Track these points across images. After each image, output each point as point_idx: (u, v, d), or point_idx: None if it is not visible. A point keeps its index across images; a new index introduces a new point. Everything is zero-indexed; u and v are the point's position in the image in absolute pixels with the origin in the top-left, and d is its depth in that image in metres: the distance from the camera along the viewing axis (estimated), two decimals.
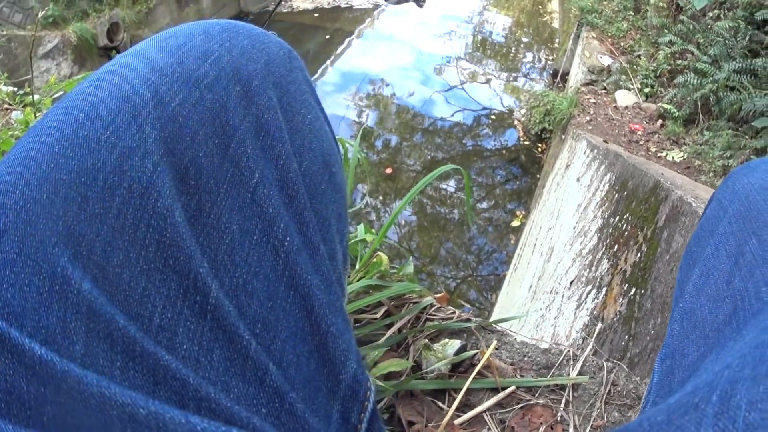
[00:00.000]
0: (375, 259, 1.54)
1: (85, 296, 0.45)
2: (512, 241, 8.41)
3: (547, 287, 4.51)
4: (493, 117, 11.39)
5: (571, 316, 3.61)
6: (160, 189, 0.52)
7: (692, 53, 6.92)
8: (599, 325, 3.19)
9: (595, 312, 3.26)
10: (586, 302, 3.47)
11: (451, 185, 9.49)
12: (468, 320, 1.50)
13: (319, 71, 12.63)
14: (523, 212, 8.86)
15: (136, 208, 0.51)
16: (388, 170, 9.60)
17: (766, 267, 0.66)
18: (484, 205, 9.28)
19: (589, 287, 3.54)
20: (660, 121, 6.99)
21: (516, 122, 10.90)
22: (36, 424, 0.40)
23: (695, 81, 6.38)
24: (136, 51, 0.62)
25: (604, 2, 9.67)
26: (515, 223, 8.70)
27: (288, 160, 0.65)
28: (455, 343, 1.37)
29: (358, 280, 1.48)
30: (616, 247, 3.44)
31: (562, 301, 3.92)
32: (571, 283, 3.92)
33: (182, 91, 0.58)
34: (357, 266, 1.54)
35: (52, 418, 0.41)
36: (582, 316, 3.42)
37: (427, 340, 1.39)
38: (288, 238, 0.61)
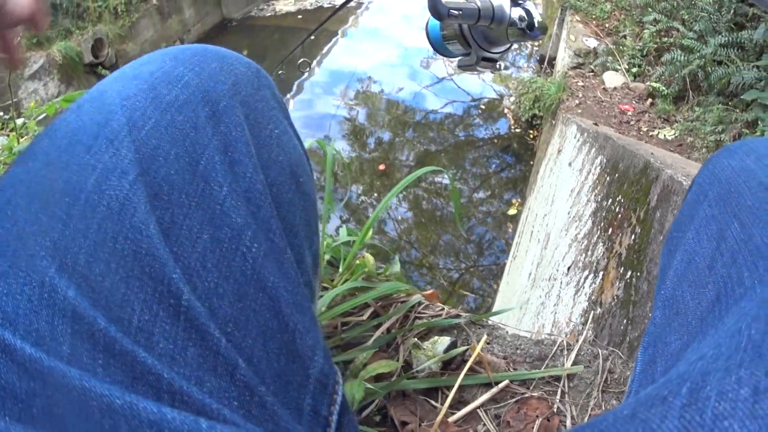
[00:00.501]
0: (359, 261, 1.53)
1: (70, 302, 0.51)
2: (510, 230, 8.42)
3: (546, 274, 4.51)
4: (483, 107, 11.40)
5: (570, 302, 3.60)
6: (136, 205, 0.58)
7: (678, 30, 6.93)
8: (592, 313, 3.19)
9: (593, 297, 3.25)
10: (584, 288, 3.46)
11: (445, 178, 9.50)
12: (458, 316, 1.49)
13: (306, 73, 12.63)
14: (519, 200, 8.87)
15: (115, 223, 0.56)
16: (381, 167, 9.61)
17: (749, 251, 0.66)
18: (481, 194, 9.29)
19: (586, 272, 3.53)
20: (649, 100, 7.00)
21: (506, 110, 10.91)
22: (26, 415, 0.46)
23: (682, 58, 6.38)
24: (113, 79, 0.68)
25: None
26: (512, 212, 8.70)
27: (254, 173, 0.69)
28: (445, 340, 1.36)
29: (343, 283, 1.47)
30: (610, 230, 3.44)
31: (561, 287, 3.91)
32: (569, 269, 3.92)
33: (154, 116, 0.64)
34: (341, 269, 1.53)
35: (41, 408, 0.47)
36: (581, 301, 3.42)
37: (416, 338, 1.38)
38: (255, 245, 0.65)
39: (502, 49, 1.02)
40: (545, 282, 4.42)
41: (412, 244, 8.38)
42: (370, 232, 1.60)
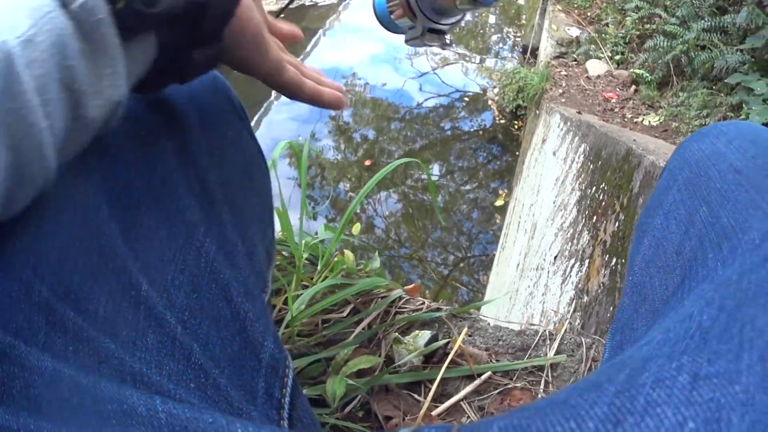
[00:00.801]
0: (337, 258, 1.53)
1: (44, 297, 0.55)
2: (498, 221, 8.43)
3: (533, 264, 4.51)
4: (467, 99, 11.40)
5: (557, 291, 3.60)
6: (99, 208, 0.63)
7: (660, 16, 6.93)
8: (579, 302, 3.19)
9: (579, 285, 3.25)
10: (570, 276, 3.47)
11: (433, 172, 9.50)
12: (438, 309, 1.49)
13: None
14: (506, 191, 8.87)
15: (81, 226, 0.60)
16: (368, 162, 9.60)
17: (715, 233, 0.65)
18: (468, 186, 9.29)
19: (573, 261, 3.54)
20: (633, 87, 7.00)
21: (490, 102, 10.91)
22: (7, 396, 0.50)
23: (665, 44, 6.38)
24: None
25: None
26: (499, 203, 8.71)
27: (207, 172, 0.75)
28: (425, 334, 1.36)
29: (322, 280, 1.46)
30: (594, 218, 3.44)
31: (548, 277, 3.92)
32: (555, 258, 3.92)
33: (115, 127, 0.64)
34: (319, 266, 1.53)
35: (19, 390, 0.50)
36: (568, 290, 3.42)
37: (397, 333, 1.38)
38: (208, 240, 0.72)
39: (452, 20, 1.01)
40: (533, 272, 4.42)
41: (402, 240, 8.38)
42: (358, 229, 1.61)
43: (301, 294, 1.39)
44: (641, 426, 0.39)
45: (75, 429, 0.50)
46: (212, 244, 0.72)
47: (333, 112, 11.08)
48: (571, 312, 3.23)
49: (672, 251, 0.73)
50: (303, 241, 1.53)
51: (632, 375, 0.43)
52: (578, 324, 3.06)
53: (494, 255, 7.61)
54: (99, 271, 0.61)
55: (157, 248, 0.67)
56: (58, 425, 0.49)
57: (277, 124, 10.83)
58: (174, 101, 0.76)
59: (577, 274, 3.37)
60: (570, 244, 3.72)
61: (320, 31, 14.16)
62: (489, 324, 1.50)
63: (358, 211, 8.67)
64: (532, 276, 4.39)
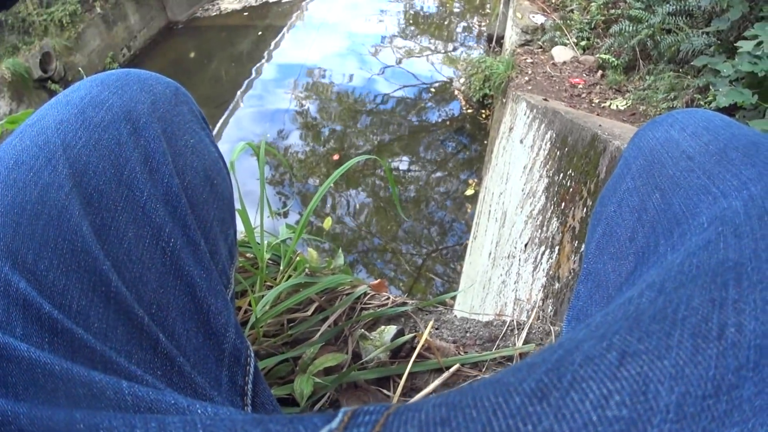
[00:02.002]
0: (299, 258, 1.53)
1: (21, 293, 0.61)
2: (469, 210, 8.46)
3: (505, 252, 4.52)
4: (433, 90, 11.43)
5: (529, 279, 3.62)
6: (71, 211, 0.69)
7: (625, 1, 6.98)
8: (551, 288, 3.20)
9: (551, 272, 3.27)
10: (541, 263, 3.48)
11: (403, 164, 9.52)
12: (404, 304, 1.49)
13: (254, 70, 12.59)
14: (476, 180, 8.90)
15: (55, 228, 0.67)
16: (335, 157, 9.61)
17: (667, 220, 0.66)
18: (438, 177, 9.32)
19: (543, 248, 3.55)
20: (600, 72, 7.04)
21: (456, 92, 10.94)
22: None
23: (631, 28, 6.41)
24: (50, 106, 0.80)
25: None
26: (469, 192, 8.75)
27: (171, 178, 0.81)
28: (391, 329, 1.35)
29: (286, 279, 1.46)
30: (563, 204, 3.45)
31: (520, 264, 3.93)
32: (526, 245, 3.93)
33: (84, 136, 0.76)
34: (282, 266, 1.52)
35: None
36: (539, 278, 3.43)
37: (363, 330, 1.38)
38: (173, 240, 0.79)
39: None
40: (505, 260, 4.44)
41: (374, 233, 8.40)
42: (330, 224, 1.60)
43: (265, 295, 1.38)
44: (566, 400, 0.40)
45: (48, 412, 0.54)
46: (177, 243, 0.79)
47: (300, 108, 11.07)
48: (543, 299, 3.24)
49: (625, 238, 0.74)
50: (266, 242, 1.53)
51: (564, 355, 0.44)
52: (551, 311, 3.07)
53: (467, 244, 7.63)
54: (72, 269, 0.67)
55: (126, 247, 0.73)
56: (32, 409, 0.53)
57: (244, 123, 10.81)
58: (137, 112, 0.82)
59: (547, 261, 3.38)
60: (540, 231, 3.74)
61: (284, 29, 14.14)
62: (456, 316, 1.50)
63: (328, 207, 8.68)
64: (504, 264, 4.40)
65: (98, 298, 0.68)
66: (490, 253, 5.22)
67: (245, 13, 14.91)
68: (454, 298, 5.26)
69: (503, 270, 4.38)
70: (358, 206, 8.79)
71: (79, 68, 11.57)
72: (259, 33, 14.04)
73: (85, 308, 0.66)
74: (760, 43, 3.78)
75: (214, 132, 9.92)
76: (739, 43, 4.01)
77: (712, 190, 0.64)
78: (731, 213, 0.57)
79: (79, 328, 0.64)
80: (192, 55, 13.45)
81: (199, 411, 0.58)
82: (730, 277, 0.47)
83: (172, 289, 0.77)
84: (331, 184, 1.47)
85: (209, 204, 0.90)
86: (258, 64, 12.76)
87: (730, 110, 4.16)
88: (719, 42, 5.16)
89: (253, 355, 0.88)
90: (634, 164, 0.81)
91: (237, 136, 10.25)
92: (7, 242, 0.64)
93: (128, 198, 0.76)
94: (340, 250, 1.64)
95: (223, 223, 0.94)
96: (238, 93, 11.74)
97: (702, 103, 4.89)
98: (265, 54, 13.19)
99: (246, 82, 12.16)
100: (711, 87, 4.65)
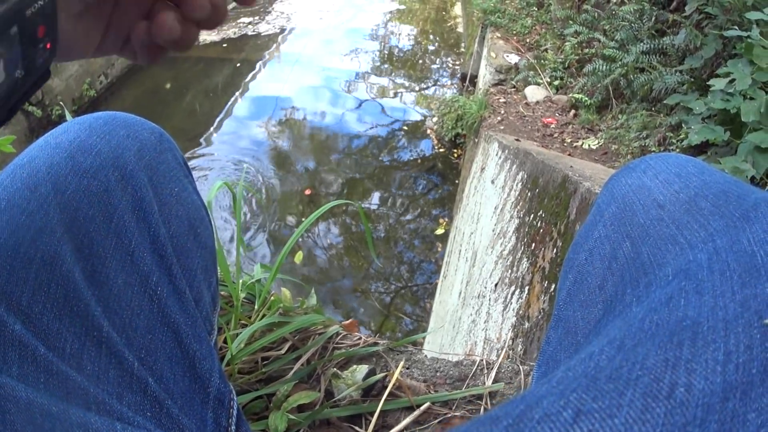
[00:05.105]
0: (273, 297, 1.54)
1: (17, 335, 0.63)
2: (440, 249, 8.45)
3: (475, 292, 4.52)
4: (406, 128, 11.44)
5: (499, 318, 3.62)
6: (63, 257, 0.71)
7: (599, 41, 7.01)
8: (521, 328, 3.21)
9: (521, 312, 3.28)
10: (511, 303, 3.49)
11: (374, 201, 9.52)
12: (375, 344, 1.51)
13: (230, 103, 12.57)
14: (447, 220, 8.90)
15: (48, 272, 0.69)
16: (308, 192, 9.59)
17: (635, 269, 0.67)
18: (409, 216, 9.31)
19: (513, 288, 3.56)
20: (573, 112, 7.07)
21: (429, 131, 10.95)
22: None
23: (604, 67, 6.44)
24: (39, 148, 0.83)
25: (507, 1, 9.76)
26: (439, 231, 8.73)
27: (157, 227, 0.85)
28: (363, 369, 1.37)
29: (260, 319, 1.48)
30: (533, 245, 3.47)
31: (490, 304, 3.93)
32: (496, 285, 3.94)
33: (74, 182, 0.78)
34: (256, 305, 1.54)
35: None
36: (509, 317, 3.44)
37: (335, 368, 1.39)
38: (160, 288, 0.82)
39: None
40: (475, 300, 4.44)
41: (345, 271, 8.37)
42: (300, 258, 1.62)
43: (240, 333, 1.40)
44: None
45: None
46: (163, 292, 0.82)
47: (273, 143, 11.04)
48: (513, 339, 3.25)
49: (595, 286, 0.75)
50: (240, 281, 1.54)
51: (525, 410, 0.46)
52: (521, 350, 3.08)
53: (437, 283, 7.62)
54: (65, 313, 0.69)
55: (116, 294, 0.76)
56: None
57: (217, 157, 10.77)
58: (125, 160, 0.85)
59: (517, 301, 3.39)
60: (510, 271, 3.75)
61: (259, 63, 14.13)
62: (426, 356, 1.52)
63: (300, 241, 8.65)
64: (474, 304, 4.41)
65: (90, 342, 0.70)
66: (460, 293, 5.22)
67: (224, 45, 14.86)
68: (425, 337, 5.25)
69: (473, 309, 4.38)
70: (329, 242, 8.77)
71: (57, 94, 11.54)
72: (239, 65, 14.02)
73: (78, 351, 0.69)
74: (732, 81, 3.82)
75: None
76: (711, 81, 4.04)
77: (680, 240, 0.64)
78: (695, 266, 0.58)
79: (73, 371, 0.66)
80: (168, 85, 13.40)
81: None
82: (686, 337, 0.48)
83: (160, 335, 0.80)
84: (303, 221, 1.49)
85: (193, 252, 0.94)
86: (232, 98, 12.74)
87: (703, 147, 4.20)
88: (692, 80, 5.20)
89: (235, 397, 0.91)
90: (606, 211, 0.81)
91: (210, 170, 10.20)
92: (2, 284, 0.66)
93: (117, 246, 0.79)
94: (313, 290, 1.66)
95: (206, 271, 0.98)
96: (212, 128, 11.70)
97: (674, 141, 4.92)
98: (241, 87, 13.18)
99: (221, 114, 12.13)
100: (683, 125, 4.68)
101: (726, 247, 0.58)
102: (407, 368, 1.46)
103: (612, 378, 0.46)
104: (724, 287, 0.53)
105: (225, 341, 1.41)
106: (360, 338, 1.53)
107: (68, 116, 1.32)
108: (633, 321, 0.55)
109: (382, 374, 1.38)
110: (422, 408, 1.33)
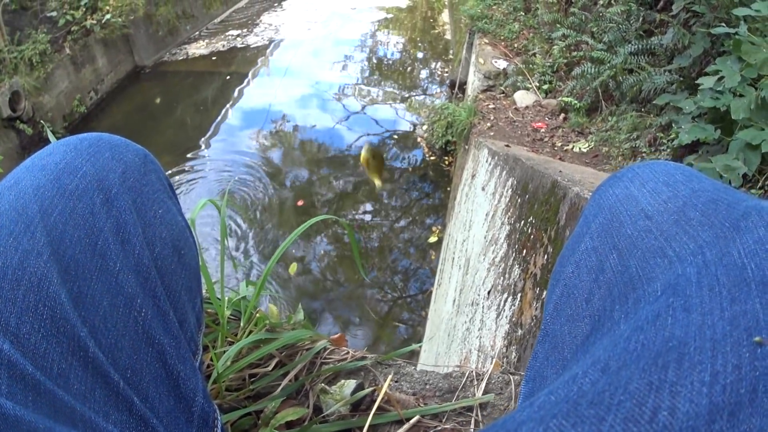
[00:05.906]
0: (259, 315, 1.54)
1: (5, 354, 0.64)
2: (433, 257, 8.45)
3: (469, 299, 4.52)
4: (396, 137, 11.48)
5: (493, 325, 3.62)
6: (50, 279, 0.72)
7: (587, 43, 7.03)
8: (509, 338, 3.21)
9: (513, 319, 3.27)
10: (504, 310, 3.49)
11: (367, 211, 9.52)
12: (363, 358, 1.50)
13: (220, 115, 12.58)
14: (440, 227, 8.91)
15: (35, 294, 0.70)
16: (300, 202, 9.60)
17: (623, 283, 0.66)
18: (402, 224, 9.32)
19: (505, 295, 3.56)
20: (562, 115, 7.09)
21: (419, 139, 10.97)
22: None
23: (593, 70, 6.47)
24: (26, 169, 0.85)
25: (494, 7, 9.78)
26: (432, 239, 8.75)
27: (142, 249, 0.86)
28: (351, 383, 1.37)
29: (247, 336, 1.47)
30: (524, 251, 3.47)
31: (484, 311, 3.93)
32: (489, 292, 3.94)
33: (60, 203, 0.80)
34: (242, 322, 1.53)
35: None
36: (503, 324, 3.44)
37: (323, 384, 1.39)
38: (144, 310, 0.83)
39: None
40: (469, 307, 4.44)
41: (339, 282, 8.37)
42: (294, 269, 1.62)
43: (226, 350, 1.39)
44: None
45: None
46: (147, 314, 0.84)
47: (264, 154, 11.04)
48: (506, 346, 3.25)
49: (582, 300, 0.74)
50: (226, 298, 1.53)
51: None
52: (515, 357, 3.08)
53: (431, 291, 7.62)
54: (52, 333, 0.70)
55: (101, 315, 0.77)
56: None
57: (207, 170, 10.77)
58: (109, 182, 0.87)
59: (510, 308, 3.39)
60: (502, 278, 3.75)
61: (248, 75, 14.15)
62: (415, 369, 1.51)
63: (293, 253, 8.63)
64: (468, 311, 4.40)
65: (77, 362, 0.71)
66: (454, 300, 5.22)
67: (213, 58, 14.92)
68: (413, 351, 5.24)
69: (467, 317, 4.38)
70: (323, 253, 8.76)
71: (48, 110, 11.56)
72: (228, 77, 14.04)
73: (65, 371, 0.70)
74: (721, 78, 3.83)
75: (177, 181, 9.86)
76: (700, 80, 4.05)
77: (668, 253, 0.63)
78: (684, 281, 0.57)
79: (60, 389, 0.67)
80: (158, 100, 13.42)
81: None
82: (672, 359, 0.48)
83: (145, 356, 0.82)
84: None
85: (177, 274, 0.95)
86: (223, 111, 12.75)
87: (694, 146, 4.21)
88: (681, 79, 5.20)
89: (219, 417, 0.94)
90: (593, 222, 0.80)
91: (201, 181, 10.20)
92: None
93: (102, 268, 0.80)
94: (300, 306, 1.66)
95: (190, 292, 0.99)
96: (203, 139, 11.71)
97: (665, 141, 4.92)
98: (231, 100, 13.20)
99: (211, 128, 12.13)
100: (674, 124, 4.68)
101: (715, 260, 0.58)
102: (396, 381, 1.45)
103: (594, 403, 0.46)
104: (713, 304, 0.52)
105: (212, 359, 1.40)
106: (348, 352, 1.52)
107: (51, 137, 1.32)
108: (619, 341, 0.54)
109: (371, 388, 1.37)
110: (412, 421, 1.32)
